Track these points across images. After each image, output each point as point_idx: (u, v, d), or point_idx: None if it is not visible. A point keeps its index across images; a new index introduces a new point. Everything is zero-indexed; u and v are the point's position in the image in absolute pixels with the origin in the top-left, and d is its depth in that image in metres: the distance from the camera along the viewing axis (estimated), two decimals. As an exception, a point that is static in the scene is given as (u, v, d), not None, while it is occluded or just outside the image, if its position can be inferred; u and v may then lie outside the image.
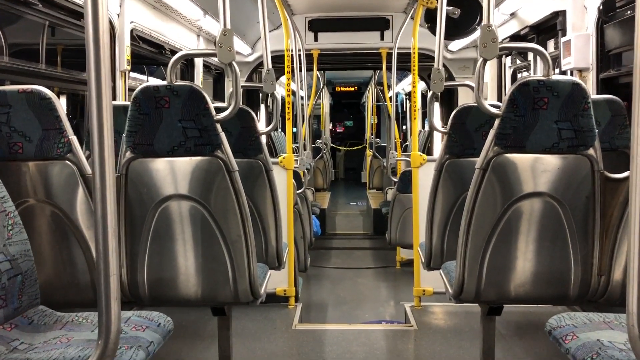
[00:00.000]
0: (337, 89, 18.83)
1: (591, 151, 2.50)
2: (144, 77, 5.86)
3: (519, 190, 2.53)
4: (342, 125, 20.00)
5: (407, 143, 11.34)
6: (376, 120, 13.62)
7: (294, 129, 6.66)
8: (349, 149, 17.59)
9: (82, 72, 4.21)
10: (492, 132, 2.54)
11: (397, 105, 13.65)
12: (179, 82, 2.52)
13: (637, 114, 1.27)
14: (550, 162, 2.52)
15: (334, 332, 4.25)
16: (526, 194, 2.53)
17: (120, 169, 2.54)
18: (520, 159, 2.52)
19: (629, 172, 1.33)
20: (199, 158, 2.54)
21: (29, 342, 2.00)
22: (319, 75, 10.16)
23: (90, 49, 1.34)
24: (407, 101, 14.32)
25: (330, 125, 17.10)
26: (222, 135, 2.55)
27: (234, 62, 2.47)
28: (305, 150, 6.24)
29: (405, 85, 13.26)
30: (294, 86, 6.14)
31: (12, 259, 2.10)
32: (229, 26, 2.44)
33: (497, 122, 2.53)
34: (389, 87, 9.70)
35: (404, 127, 14.69)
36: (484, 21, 2.45)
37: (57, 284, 2.55)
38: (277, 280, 4.62)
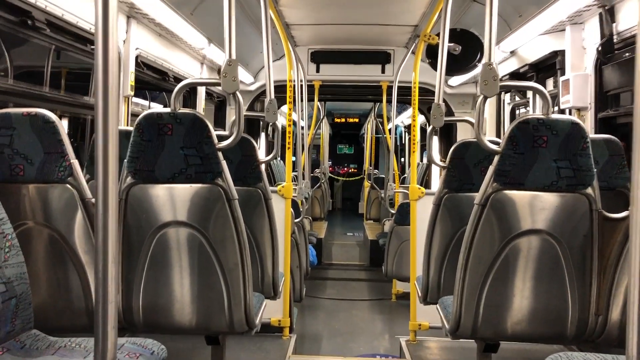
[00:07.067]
0: (337, 120, 18.85)
1: (589, 190, 2.51)
2: (145, 103, 5.89)
3: (517, 227, 2.53)
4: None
5: (405, 175, 11.36)
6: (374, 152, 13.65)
7: (294, 158, 6.70)
8: (347, 179, 17.59)
9: (84, 95, 4.23)
10: (491, 169, 2.55)
11: (395, 138, 13.71)
12: (183, 110, 2.54)
13: (637, 156, 1.27)
14: (549, 200, 2.52)
15: None
16: (524, 231, 2.53)
17: (121, 194, 2.54)
18: (519, 196, 2.53)
19: (627, 212, 1.34)
20: (199, 185, 2.54)
21: (21, 366, 1.97)
22: (320, 106, 10.24)
23: (99, 76, 1.35)
24: (406, 134, 14.40)
25: (330, 163, 16.95)
26: (224, 163, 2.56)
27: (237, 92, 2.49)
28: (304, 179, 6.24)
29: (404, 118, 13.34)
30: (294, 116, 6.18)
31: (7, 281, 2.09)
32: (234, 57, 2.48)
33: (496, 158, 2.54)
34: (389, 119, 9.75)
35: (402, 159, 14.73)
36: (485, 59, 2.48)
37: (51, 309, 2.52)
38: (272, 310, 4.58)
